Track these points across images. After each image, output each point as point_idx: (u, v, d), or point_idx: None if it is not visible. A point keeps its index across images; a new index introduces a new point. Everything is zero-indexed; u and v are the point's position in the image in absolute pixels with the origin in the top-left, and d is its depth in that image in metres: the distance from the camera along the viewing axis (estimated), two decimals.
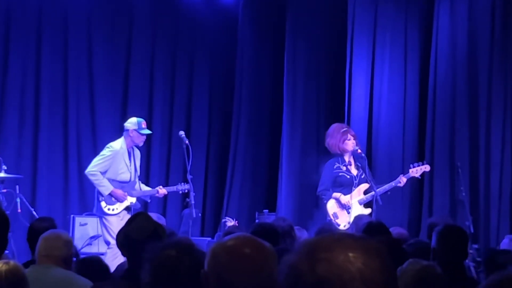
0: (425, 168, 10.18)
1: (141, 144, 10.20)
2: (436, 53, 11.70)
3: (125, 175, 10.06)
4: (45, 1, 12.26)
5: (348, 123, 11.66)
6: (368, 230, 6.34)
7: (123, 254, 4.83)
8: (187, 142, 10.11)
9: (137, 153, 10.28)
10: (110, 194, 9.90)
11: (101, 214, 9.96)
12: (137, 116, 10.32)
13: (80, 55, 12.46)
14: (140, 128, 10.06)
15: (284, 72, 12.66)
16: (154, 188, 10.55)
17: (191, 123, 13.01)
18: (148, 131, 10.21)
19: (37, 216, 10.33)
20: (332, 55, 12.55)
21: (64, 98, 12.36)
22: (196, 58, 13.21)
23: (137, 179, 10.28)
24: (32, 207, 10.77)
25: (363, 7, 12.09)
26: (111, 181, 9.92)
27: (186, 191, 10.43)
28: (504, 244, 8.85)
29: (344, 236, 1.80)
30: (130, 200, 10.06)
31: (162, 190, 10.35)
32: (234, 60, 13.22)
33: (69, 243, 5.23)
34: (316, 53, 12.59)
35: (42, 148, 12.14)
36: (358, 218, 8.59)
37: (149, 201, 10.76)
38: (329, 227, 7.80)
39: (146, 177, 12.19)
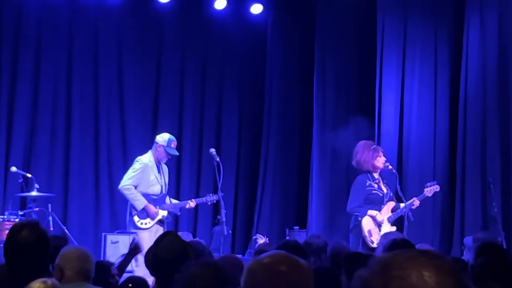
0: (436, 188, 10.07)
1: (164, 161, 10.18)
2: (466, 67, 11.63)
3: (156, 188, 10.07)
4: (75, 21, 12.37)
5: (379, 139, 11.64)
6: (393, 248, 6.27)
7: (151, 273, 4.81)
8: (218, 159, 10.08)
9: (165, 168, 10.29)
10: (144, 209, 9.91)
11: (134, 229, 9.95)
12: (169, 133, 10.34)
13: (110, 73, 12.55)
14: (168, 146, 10.07)
15: (314, 87, 12.68)
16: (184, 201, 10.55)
17: (221, 140, 13.05)
18: (175, 153, 10.22)
19: (69, 234, 10.40)
20: (362, 71, 12.55)
21: (95, 117, 12.44)
22: (226, 75, 13.27)
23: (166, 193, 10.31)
24: (64, 225, 10.83)
25: (392, 23, 12.08)
26: (143, 194, 9.95)
27: (215, 201, 10.41)
28: None
29: (418, 254, 1.79)
30: (162, 213, 10.07)
31: (192, 203, 10.34)
32: (263, 77, 13.27)
33: (92, 259, 5.20)
34: (346, 68, 12.60)
35: (73, 167, 12.22)
36: (386, 235, 8.51)
37: (179, 214, 10.76)
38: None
39: (176, 194, 12.23)
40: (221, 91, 13.27)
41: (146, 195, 9.94)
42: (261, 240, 10.89)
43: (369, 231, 9.78)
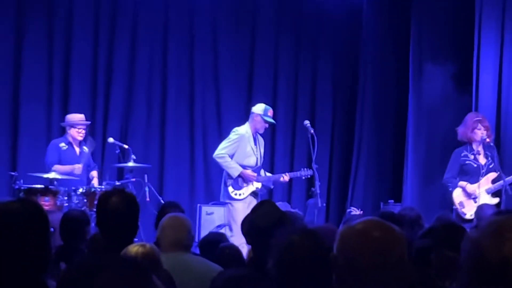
0: None
1: (261, 131, 10.23)
2: None
3: (252, 159, 10.13)
4: (171, 2, 12.49)
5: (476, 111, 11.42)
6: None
7: (247, 242, 4.83)
8: (312, 131, 10.10)
9: (261, 140, 10.34)
10: (240, 176, 9.98)
11: (228, 199, 10.04)
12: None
13: (205, 45, 12.63)
14: (265, 114, 10.12)
15: (410, 61, 12.49)
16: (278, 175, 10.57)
17: (316, 113, 13.01)
18: (272, 120, 10.25)
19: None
20: (459, 42, 12.27)
21: (190, 89, 12.56)
22: (320, 47, 13.20)
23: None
24: (160, 196, 10.98)
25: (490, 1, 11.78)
26: (239, 165, 10.03)
27: (309, 176, 10.42)
28: None
29: None
30: (256, 185, 10.11)
31: (286, 177, 10.35)
32: (358, 50, 13.16)
33: (191, 229, 5.22)
34: (443, 41, 12.33)
35: (169, 138, 12.37)
36: (480, 208, 8.41)
37: (272, 187, 10.77)
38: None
39: (270, 166, 12.28)
40: (316, 64, 13.21)
41: (241, 166, 10.01)
42: (356, 212, 10.84)
43: (461, 203, 9.67)
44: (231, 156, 10.03)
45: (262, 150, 10.32)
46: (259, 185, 10.13)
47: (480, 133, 9.83)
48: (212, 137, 12.39)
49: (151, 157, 12.06)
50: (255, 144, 10.18)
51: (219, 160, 10.08)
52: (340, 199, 12.99)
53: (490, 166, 9.77)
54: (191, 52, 12.59)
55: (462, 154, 9.83)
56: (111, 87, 12.16)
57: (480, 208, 8.26)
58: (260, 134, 10.30)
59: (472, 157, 9.79)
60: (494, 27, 11.67)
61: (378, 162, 13.00)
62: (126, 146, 10.76)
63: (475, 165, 9.77)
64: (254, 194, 10.09)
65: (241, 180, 10.06)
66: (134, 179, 10.46)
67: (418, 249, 4.35)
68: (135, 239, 5.14)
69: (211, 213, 11.22)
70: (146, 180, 10.51)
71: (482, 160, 9.82)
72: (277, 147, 12.83)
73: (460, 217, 9.56)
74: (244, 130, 10.14)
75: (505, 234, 1.71)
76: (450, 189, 9.76)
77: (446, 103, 12.12)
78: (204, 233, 9.97)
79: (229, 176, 10.06)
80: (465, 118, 10.08)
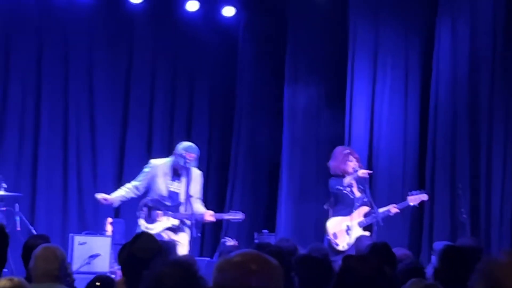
0: (423, 197, 10.09)
1: (180, 170, 9.94)
2: (437, 73, 11.68)
3: (166, 195, 9.94)
4: (45, 20, 12.27)
5: (349, 144, 11.64)
6: (373, 251, 6.31)
7: (123, 273, 4.77)
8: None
9: (195, 174, 10.02)
10: (150, 214, 9.89)
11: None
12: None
13: (81, 74, 12.45)
14: (180, 155, 9.86)
15: (284, 92, 12.65)
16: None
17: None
18: (187, 165, 9.86)
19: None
20: (333, 77, 12.52)
21: (64, 117, 12.34)
22: (197, 77, 13.21)
23: (191, 200, 9.91)
24: (31, 226, 10.72)
25: (364, 29, 12.08)
26: (154, 200, 9.87)
27: (241, 220, 10.28)
28: None
29: None
30: (172, 221, 9.90)
31: (210, 217, 10.00)
32: (234, 80, 13.24)
33: (64, 260, 5.17)
34: (317, 74, 12.56)
35: (41, 166, 12.11)
36: (359, 239, 8.58)
37: (199, 235, 10.56)
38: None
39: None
40: (192, 94, 13.21)
41: (157, 201, 9.87)
42: (230, 243, 10.83)
43: (334, 234, 9.82)
44: (148, 188, 9.91)
45: (194, 184, 9.95)
46: (175, 221, 9.92)
47: (353, 164, 10.02)
48: (86, 166, 12.22)
49: (23, 185, 11.77)
50: (175, 179, 9.93)
51: None
52: (215, 229, 12.97)
53: (364, 200, 9.96)
54: (66, 79, 12.36)
55: (336, 186, 10.01)
56: None
57: (359, 240, 8.45)
58: (198, 168, 10.09)
59: (348, 189, 9.98)
60: (367, 62, 11.99)
61: (253, 192, 13.06)
62: None
63: (352, 197, 9.96)
64: (171, 230, 9.89)
65: (155, 213, 9.86)
66: (4, 208, 10.20)
67: None
68: (5, 270, 5.02)
69: (84, 243, 11.00)
70: (17, 209, 10.26)
71: (357, 193, 10.02)
72: None
73: (333, 247, 9.70)
74: (161, 161, 10.03)
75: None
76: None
77: (321, 136, 12.32)
78: (76, 263, 9.81)
79: (142, 208, 9.89)
80: (333, 152, 10.24)
